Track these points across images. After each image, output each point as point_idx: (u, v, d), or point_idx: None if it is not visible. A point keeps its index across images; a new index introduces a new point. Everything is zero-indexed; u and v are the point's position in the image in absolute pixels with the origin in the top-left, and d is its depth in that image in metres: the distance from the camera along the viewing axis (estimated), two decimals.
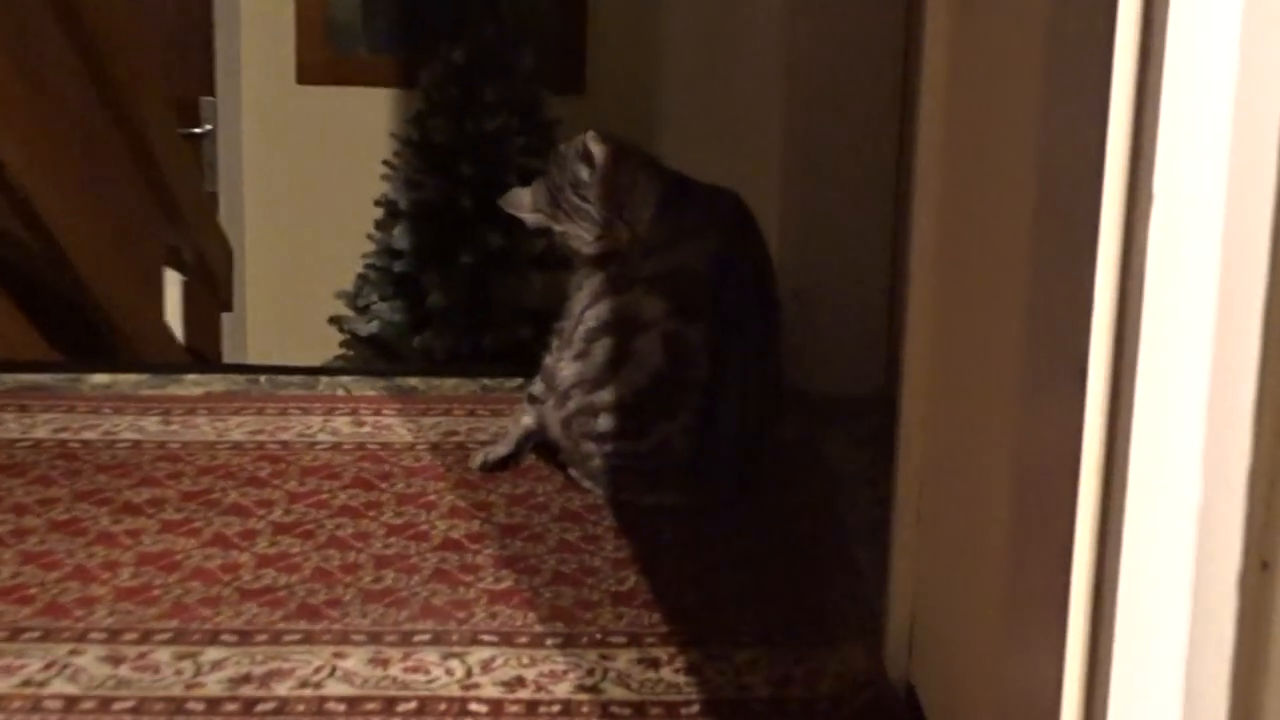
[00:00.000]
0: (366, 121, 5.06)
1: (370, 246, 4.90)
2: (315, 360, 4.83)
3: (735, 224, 2.24)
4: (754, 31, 3.06)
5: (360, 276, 4.91)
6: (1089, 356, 1.11)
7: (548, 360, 2.24)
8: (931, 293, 1.69)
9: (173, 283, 4.32)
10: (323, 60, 5.11)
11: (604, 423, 2.16)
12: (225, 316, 5.00)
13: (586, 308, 2.19)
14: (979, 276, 1.56)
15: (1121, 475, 1.11)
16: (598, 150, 2.19)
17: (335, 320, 4.96)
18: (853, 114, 2.61)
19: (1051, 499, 1.20)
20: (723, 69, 3.55)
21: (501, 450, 2.27)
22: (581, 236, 2.21)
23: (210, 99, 5.13)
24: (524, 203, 2.26)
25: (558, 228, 2.23)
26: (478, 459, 2.27)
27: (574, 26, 5.10)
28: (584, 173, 2.20)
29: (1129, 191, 1.07)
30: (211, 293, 4.64)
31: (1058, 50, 1.21)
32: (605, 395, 2.15)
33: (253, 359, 5.12)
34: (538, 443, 2.29)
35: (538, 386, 2.26)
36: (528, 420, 2.27)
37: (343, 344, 5.01)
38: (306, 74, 5.13)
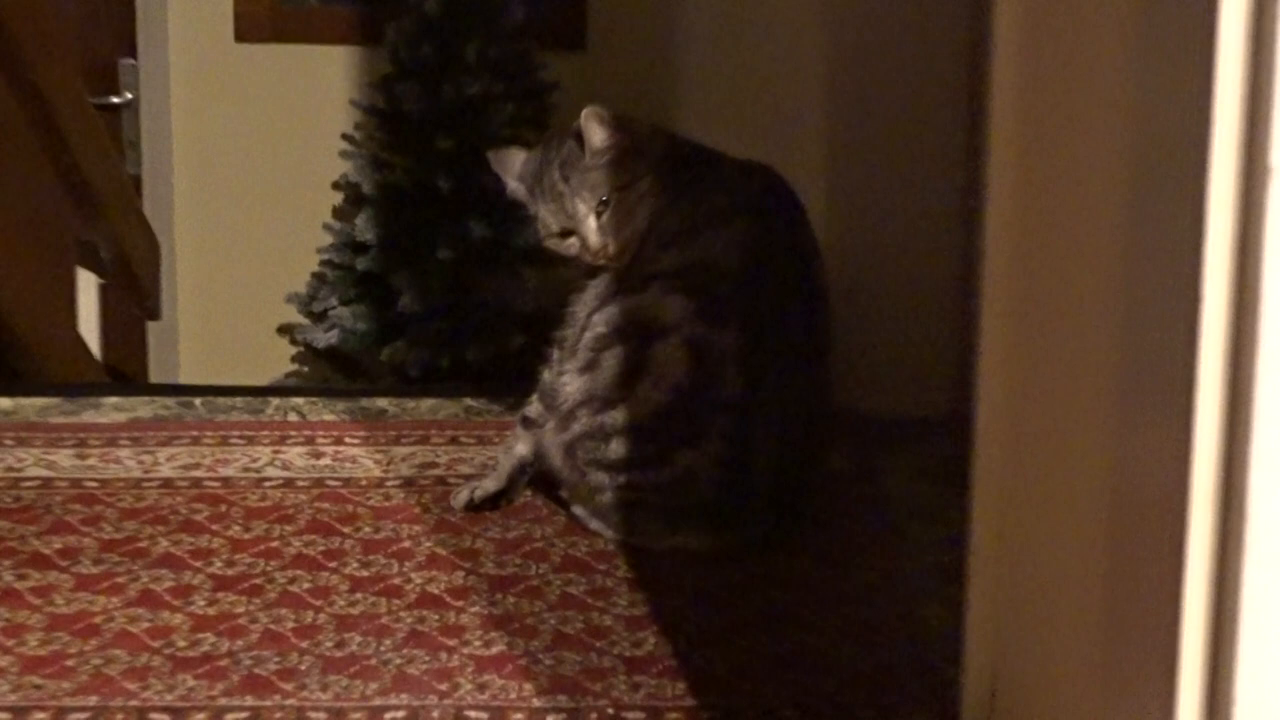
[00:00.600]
0: (321, 87, 5.08)
1: (328, 239, 4.92)
2: (262, 379, 4.85)
3: (769, 205, 2.26)
4: None
5: (316, 276, 4.93)
6: (1197, 368, 1.13)
7: (546, 376, 2.26)
8: (1008, 296, 1.70)
9: (87, 287, 4.34)
10: (267, 12, 5.14)
11: (616, 448, 2.18)
12: (151, 327, 5.02)
13: (594, 311, 2.22)
14: (1065, 275, 1.57)
15: (1239, 509, 1.12)
16: (595, 132, 2.21)
17: (286, 330, 4.99)
18: (910, 73, 2.63)
19: (1156, 539, 1.21)
20: (753, 19, 3.56)
21: (490, 486, 2.30)
22: (546, 224, 2.24)
23: (130, 62, 5.16)
24: (512, 166, 2.29)
25: (531, 208, 2.26)
26: (461, 497, 2.29)
27: None
28: (575, 151, 2.23)
29: (1243, 166, 1.09)
30: (135, 298, 4.66)
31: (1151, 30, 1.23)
32: (617, 415, 2.17)
33: (185, 378, 5.14)
34: (534, 476, 2.31)
35: (534, 408, 2.28)
36: (521, 449, 2.29)
37: (295, 358, 5.03)
38: (247, 29, 5.15)
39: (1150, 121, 1.24)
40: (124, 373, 4.67)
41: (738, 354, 2.17)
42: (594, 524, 2.23)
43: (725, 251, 2.20)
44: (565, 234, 2.24)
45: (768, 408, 2.18)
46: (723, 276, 2.19)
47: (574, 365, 2.22)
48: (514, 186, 2.29)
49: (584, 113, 2.21)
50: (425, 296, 4.71)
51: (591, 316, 2.22)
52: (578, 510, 2.25)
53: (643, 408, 2.17)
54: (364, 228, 4.79)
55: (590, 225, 2.21)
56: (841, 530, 2.26)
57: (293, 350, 5.01)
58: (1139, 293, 1.28)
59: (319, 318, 4.90)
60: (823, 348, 2.28)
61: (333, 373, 4.88)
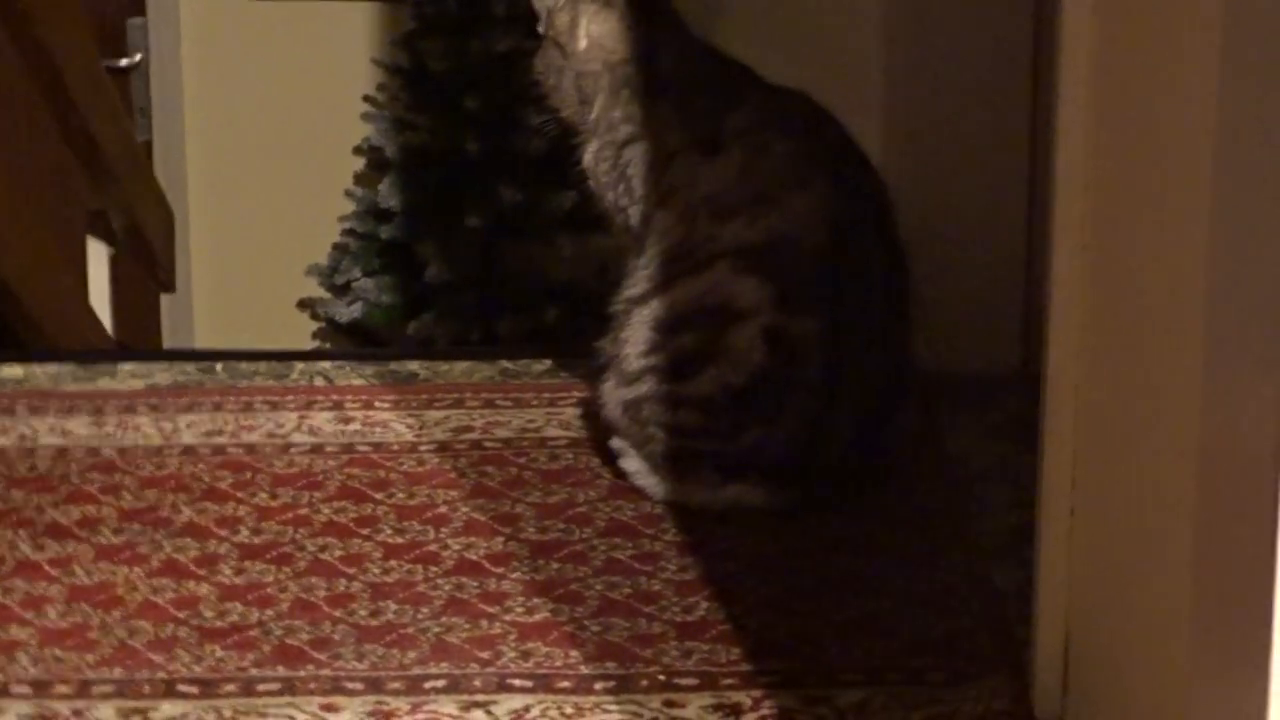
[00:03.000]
0: (341, 46, 5.09)
1: (350, 207, 4.94)
2: None
3: (841, 153, 2.23)
4: None
5: (337, 247, 4.95)
6: None
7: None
8: (1082, 241, 1.71)
9: (98, 257, 4.37)
10: None
11: (683, 417, 2.18)
12: (165, 300, 5.05)
13: (649, 293, 2.20)
14: (1144, 218, 1.58)
15: None
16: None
17: (306, 304, 5.01)
18: (972, 22, 2.63)
19: (1249, 493, 1.22)
20: None
21: None
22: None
23: (139, 20, 5.18)
24: None
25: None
26: None
27: None
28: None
29: None
30: (148, 270, 4.69)
31: None
32: (689, 389, 2.17)
33: None
34: (578, 437, 2.32)
35: None
36: None
37: (317, 334, 5.05)
38: None
39: (1243, 50, 1.24)
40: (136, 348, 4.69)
41: (821, 339, 2.15)
42: (641, 480, 2.22)
43: (807, 226, 2.16)
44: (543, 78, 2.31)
45: (850, 386, 2.18)
46: (805, 258, 2.16)
47: (635, 341, 2.20)
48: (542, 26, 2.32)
49: None
50: (454, 266, 4.73)
51: (649, 300, 2.20)
52: (625, 464, 2.23)
53: (715, 386, 2.16)
54: (388, 194, 4.80)
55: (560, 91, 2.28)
56: (908, 491, 2.27)
57: (314, 325, 5.03)
58: (1230, 232, 1.28)
59: (341, 290, 4.92)
60: (906, 307, 2.27)
61: (357, 348, 4.90)
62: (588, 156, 2.30)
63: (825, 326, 2.16)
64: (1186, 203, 1.42)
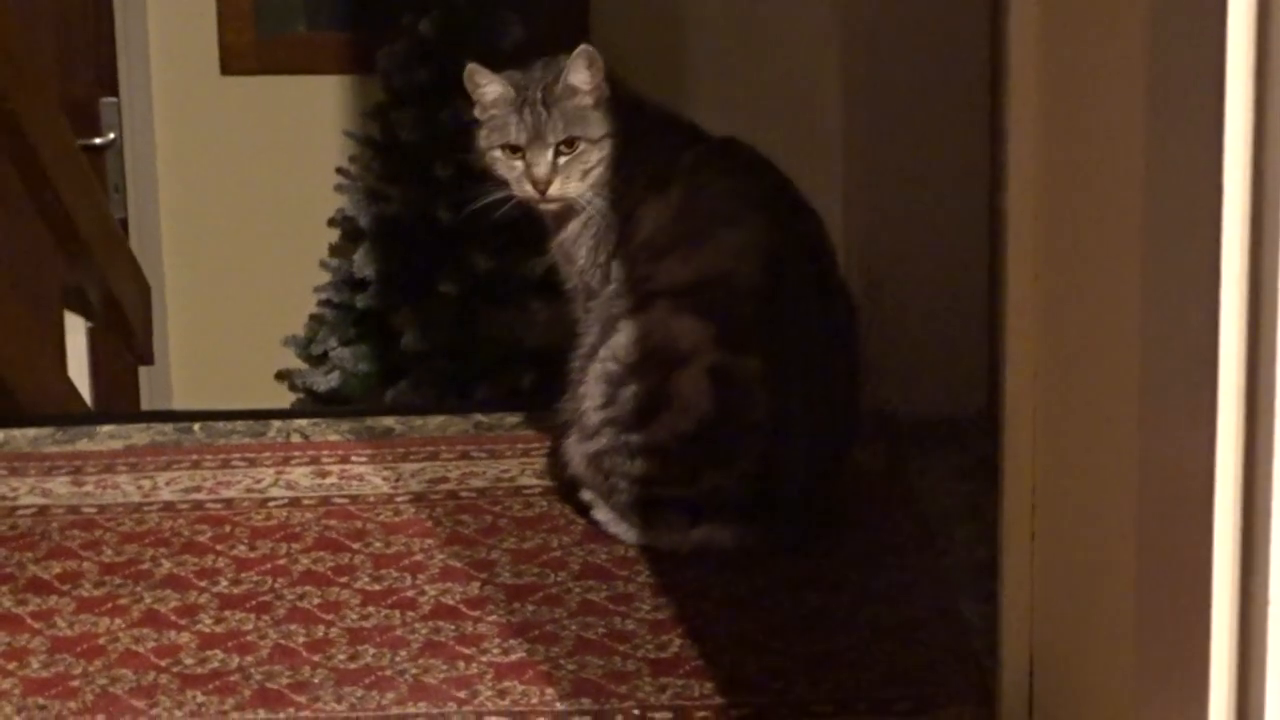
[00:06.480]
0: (313, 119, 5.13)
1: (325, 277, 4.97)
2: None
3: (777, 195, 2.28)
4: None
5: (314, 317, 4.98)
6: (1219, 358, 1.18)
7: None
8: (1031, 290, 1.75)
9: (75, 331, 4.39)
10: (253, 43, 5.20)
11: (641, 465, 2.22)
12: (144, 373, 5.07)
13: (598, 343, 2.24)
14: (1088, 268, 1.62)
15: (1265, 495, 1.17)
16: (580, 71, 2.26)
17: (284, 375, 5.04)
18: (931, 61, 2.67)
19: (1183, 526, 1.26)
20: (764, 27, 3.62)
21: None
22: (505, 131, 2.25)
23: (112, 100, 5.22)
24: (495, 75, 2.31)
25: (499, 112, 2.28)
26: None
27: None
28: (558, 80, 2.26)
29: (1254, 168, 1.13)
30: (125, 342, 4.71)
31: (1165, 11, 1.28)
32: (643, 439, 2.22)
33: None
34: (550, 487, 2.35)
35: None
36: None
37: (295, 404, 5.07)
38: (233, 61, 5.21)
39: (1166, 126, 1.29)
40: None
41: (765, 377, 2.19)
42: (613, 528, 2.26)
43: (741, 263, 2.21)
44: (515, 151, 2.27)
45: (798, 422, 2.21)
46: (742, 294, 2.20)
47: (592, 396, 2.24)
48: (491, 88, 2.30)
49: (579, 48, 2.27)
50: (429, 334, 4.76)
51: (599, 350, 2.25)
52: (600, 515, 2.28)
53: (667, 434, 2.20)
54: (362, 264, 4.84)
55: (546, 157, 2.25)
56: (876, 529, 2.30)
57: (292, 396, 5.05)
58: (1160, 285, 1.33)
59: (318, 360, 4.94)
60: (851, 342, 2.31)
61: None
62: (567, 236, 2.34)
63: (768, 364, 2.19)
64: (1120, 265, 1.47)
